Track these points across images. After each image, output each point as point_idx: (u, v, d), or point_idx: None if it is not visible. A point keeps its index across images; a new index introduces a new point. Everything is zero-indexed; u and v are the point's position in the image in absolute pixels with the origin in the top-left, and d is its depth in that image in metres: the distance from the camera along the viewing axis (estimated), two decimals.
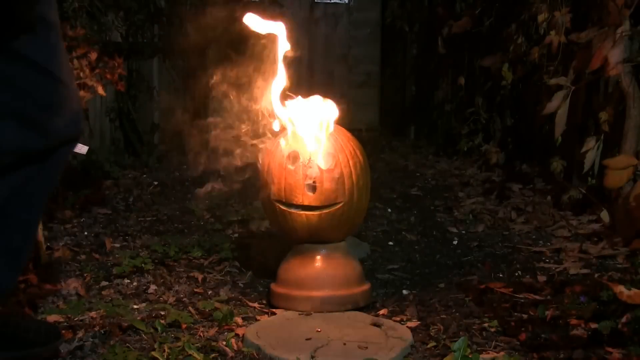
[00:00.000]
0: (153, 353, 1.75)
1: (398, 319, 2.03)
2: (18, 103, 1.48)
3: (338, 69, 6.65)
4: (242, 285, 2.37)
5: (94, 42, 2.60)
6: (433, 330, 1.94)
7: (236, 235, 2.98)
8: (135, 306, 2.12)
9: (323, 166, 2.00)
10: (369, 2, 6.69)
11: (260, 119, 2.12)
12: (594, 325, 1.91)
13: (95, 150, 3.99)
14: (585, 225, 3.04)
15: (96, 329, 1.92)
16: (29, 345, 1.66)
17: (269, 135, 2.14)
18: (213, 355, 1.77)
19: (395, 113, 6.56)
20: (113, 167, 4.20)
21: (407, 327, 1.95)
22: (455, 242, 2.93)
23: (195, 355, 1.73)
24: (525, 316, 2.06)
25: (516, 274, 2.48)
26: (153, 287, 2.32)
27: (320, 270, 2.09)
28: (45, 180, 1.59)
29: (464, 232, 3.10)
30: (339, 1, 6.57)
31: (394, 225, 3.22)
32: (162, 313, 2.05)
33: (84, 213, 3.30)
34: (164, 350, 1.75)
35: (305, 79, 6.15)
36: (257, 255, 2.60)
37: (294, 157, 2.04)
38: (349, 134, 2.14)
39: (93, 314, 2.00)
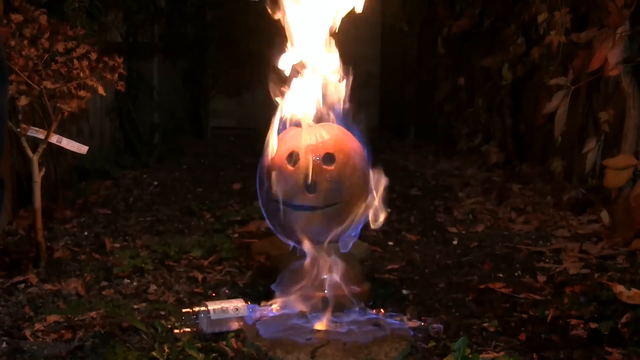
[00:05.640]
0: (153, 353, 1.75)
1: (398, 319, 2.03)
2: None
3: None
4: (242, 285, 2.37)
5: (94, 42, 2.59)
6: (433, 330, 1.94)
7: (236, 235, 2.98)
8: (135, 306, 2.12)
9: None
10: (369, 2, 6.68)
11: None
12: (594, 325, 1.91)
13: (95, 150, 3.99)
14: (585, 225, 3.04)
15: (96, 329, 1.92)
16: None
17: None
18: (213, 355, 1.77)
19: (395, 113, 6.56)
20: (113, 167, 4.20)
21: (407, 327, 1.95)
22: (455, 242, 2.93)
23: (195, 355, 1.73)
24: (525, 316, 2.06)
25: (516, 274, 2.48)
26: (153, 287, 2.32)
27: (320, 270, 2.08)
28: None
29: (464, 232, 3.10)
30: None
31: (394, 225, 3.22)
32: (162, 313, 2.05)
33: (84, 213, 3.30)
34: (164, 350, 1.75)
35: None
36: (257, 255, 2.60)
37: (294, 157, 2.04)
38: (349, 134, 2.14)
39: (93, 314, 2.00)
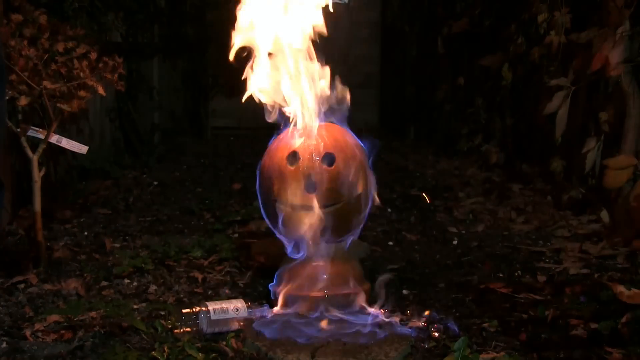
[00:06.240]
0: (153, 353, 1.75)
1: (398, 319, 2.03)
2: None
3: (338, 69, 6.65)
4: (242, 285, 2.37)
5: (94, 42, 2.59)
6: (433, 331, 1.94)
7: (236, 235, 2.98)
8: (135, 306, 2.12)
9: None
10: (369, 2, 6.69)
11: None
12: (594, 325, 1.91)
13: (95, 150, 3.99)
14: (585, 225, 3.04)
15: (96, 329, 1.92)
16: None
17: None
18: (213, 355, 1.77)
19: (395, 113, 6.56)
20: (113, 167, 4.20)
21: (407, 327, 1.95)
22: (455, 242, 2.93)
23: (195, 355, 1.73)
24: (525, 316, 2.06)
25: (516, 274, 2.48)
26: (153, 287, 2.32)
27: (320, 270, 2.08)
28: None
29: (464, 232, 3.10)
30: (339, 1, 6.56)
31: (394, 225, 3.22)
32: (162, 313, 2.05)
33: (84, 213, 3.30)
34: (164, 350, 1.75)
35: None
36: (257, 255, 2.60)
37: (293, 157, 2.04)
38: (349, 134, 2.14)
39: (93, 314, 2.00)
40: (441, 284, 2.38)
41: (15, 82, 2.33)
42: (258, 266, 2.52)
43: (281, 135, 2.12)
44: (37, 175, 2.45)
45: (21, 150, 2.47)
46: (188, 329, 1.89)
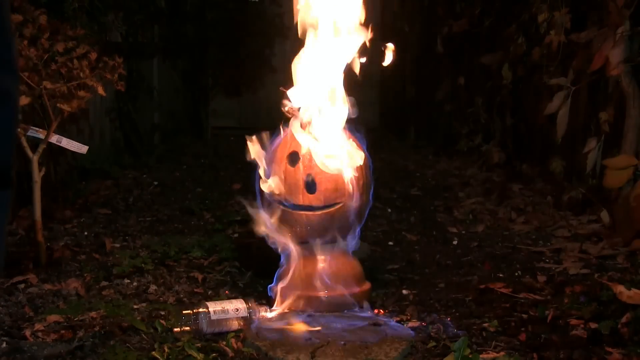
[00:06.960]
0: (153, 353, 1.75)
1: (398, 319, 2.03)
2: None
3: None
4: (242, 285, 2.37)
5: (94, 42, 2.59)
6: (433, 330, 1.94)
7: (236, 235, 2.98)
8: (135, 306, 2.12)
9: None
10: (368, 2, 6.68)
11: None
12: (594, 325, 1.91)
13: (95, 150, 3.99)
14: (585, 225, 3.04)
15: (96, 329, 1.92)
16: None
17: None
18: (213, 355, 1.77)
19: (395, 113, 6.57)
20: (113, 167, 4.20)
21: (407, 327, 1.95)
22: (455, 242, 2.93)
23: (195, 355, 1.73)
24: (525, 316, 2.06)
25: (516, 274, 2.48)
26: (153, 287, 2.32)
27: (320, 270, 2.08)
28: None
29: (464, 232, 3.10)
30: None
31: (394, 225, 3.22)
32: (162, 313, 2.05)
33: (84, 213, 3.30)
34: (164, 350, 1.75)
35: None
36: (257, 255, 2.60)
37: (294, 157, 2.04)
38: (348, 134, 2.14)
39: (93, 314, 2.00)
40: (441, 284, 2.38)
41: None
42: (258, 266, 2.51)
43: (281, 136, 2.12)
44: (37, 175, 2.45)
45: (21, 150, 2.47)
46: (188, 329, 1.89)
